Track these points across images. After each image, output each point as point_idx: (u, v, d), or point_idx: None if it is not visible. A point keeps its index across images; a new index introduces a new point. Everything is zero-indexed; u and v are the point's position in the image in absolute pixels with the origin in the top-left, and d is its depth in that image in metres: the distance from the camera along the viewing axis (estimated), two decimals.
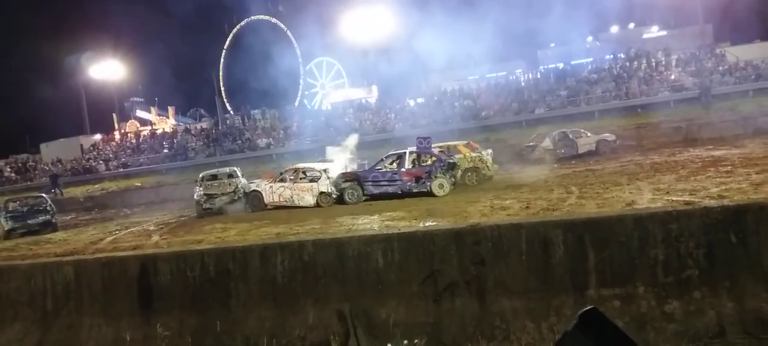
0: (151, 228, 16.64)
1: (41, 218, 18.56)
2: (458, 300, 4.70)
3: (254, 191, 17.54)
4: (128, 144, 45.32)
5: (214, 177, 18.77)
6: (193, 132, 43.98)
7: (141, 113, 51.94)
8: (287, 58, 47.85)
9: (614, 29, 49.48)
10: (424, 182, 15.68)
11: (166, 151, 41.56)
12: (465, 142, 19.46)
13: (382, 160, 17.02)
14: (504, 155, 21.73)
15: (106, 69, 50.11)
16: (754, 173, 12.48)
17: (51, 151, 45.25)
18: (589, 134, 22.54)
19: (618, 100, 32.50)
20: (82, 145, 45.61)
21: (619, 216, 4.81)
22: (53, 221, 18.81)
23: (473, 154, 17.56)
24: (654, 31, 46.73)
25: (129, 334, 5.32)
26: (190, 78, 55.05)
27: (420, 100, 39.95)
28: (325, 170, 17.05)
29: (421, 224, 10.76)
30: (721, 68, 33.49)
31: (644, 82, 33.53)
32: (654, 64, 35.48)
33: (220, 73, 53.93)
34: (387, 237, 5.06)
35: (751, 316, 4.17)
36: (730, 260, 4.31)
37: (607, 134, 22.90)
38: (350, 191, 16.22)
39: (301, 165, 18.27)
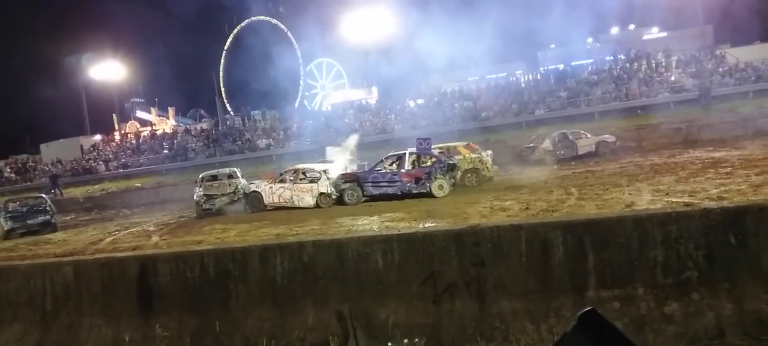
0: (151, 229, 16.64)
1: (41, 219, 18.57)
2: (458, 301, 4.70)
3: (254, 191, 17.54)
4: (128, 145, 45.32)
5: (213, 178, 18.77)
6: (193, 133, 43.98)
7: (141, 114, 51.92)
8: (287, 59, 47.88)
9: (614, 30, 49.47)
10: (423, 183, 15.68)
11: (166, 151, 41.55)
12: (465, 143, 19.47)
13: (381, 161, 17.01)
14: (504, 156, 21.73)
15: (107, 69, 50.12)
16: (753, 174, 12.48)
17: (51, 151, 45.23)
18: (588, 136, 22.55)
19: (618, 102, 32.50)
20: (82, 146, 45.59)
21: (618, 217, 4.81)
22: (53, 221, 18.82)
23: (473, 156, 17.56)
24: (654, 33, 46.71)
25: (128, 335, 5.32)
26: (190, 79, 55.02)
27: (420, 101, 39.95)
28: (324, 171, 17.06)
29: (421, 225, 10.77)
30: (721, 70, 33.48)
31: (644, 84, 33.52)
32: (654, 65, 35.48)
33: (221, 74, 53.95)
34: (387, 238, 5.06)
35: (750, 317, 4.17)
36: (730, 261, 4.31)
37: (607, 136, 22.90)
38: (350, 191, 16.22)
39: (300, 166, 18.27)
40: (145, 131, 48.33)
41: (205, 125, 46.21)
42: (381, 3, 42.59)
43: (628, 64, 36.66)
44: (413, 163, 16.41)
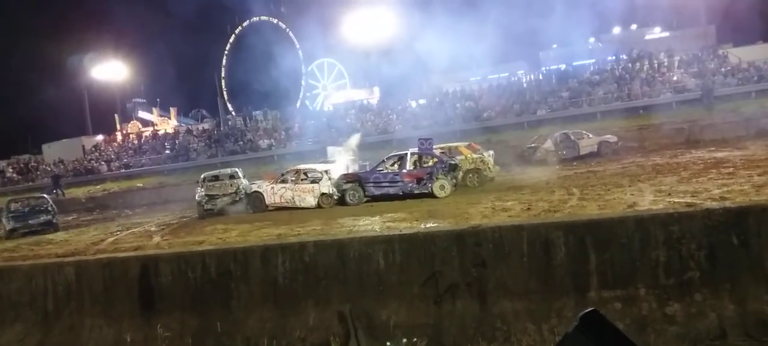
0: (153, 229, 16.65)
1: (43, 219, 18.63)
2: (459, 302, 4.70)
3: (255, 192, 17.56)
4: (130, 145, 45.39)
5: (215, 178, 18.79)
6: (194, 133, 44.05)
7: (143, 114, 52.00)
8: (289, 59, 47.94)
9: (616, 30, 49.36)
10: (425, 184, 15.67)
11: (167, 152, 41.62)
12: (466, 143, 19.46)
13: (383, 161, 17.01)
14: (505, 157, 21.73)
15: (109, 70, 50.24)
16: (756, 174, 12.46)
17: (53, 151, 45.32)
18: (590, 136, 22.53)
19: (620, 102, 32.45)
20: (84, 146, 45.66)
21: (620, 218, 4.79)
22: (54, 221, 18.87)
23: (475, 156, 17.56)
24: (656, 33, 46.63)
25: (130, 335, 5.32)
26: (192, 79, 55.12)
27: (421, 101, 39.94)
28: (326, 171, 17.06)
29: (423, 226, 10.75)
30: (723, 70, 33.41)
31: (646, 84, 33.47)
32: (656, 65, 35.42)
33: (222, 74, 54.02)
34: (388, 238, 5.05)
35: (752, 318, 4.16)
36: (732, 262, 4.30)
37: (609, 136, 22.88)
38: (351, 192, 16.22)
39: (302, 166, 18.30)
40: (147, 131, 48.40)
41: (206, 125, 46.26)
42: (383, 3, 42.58)
43: (630, 64, 36.61)
44: (415, 163, 16.41)
